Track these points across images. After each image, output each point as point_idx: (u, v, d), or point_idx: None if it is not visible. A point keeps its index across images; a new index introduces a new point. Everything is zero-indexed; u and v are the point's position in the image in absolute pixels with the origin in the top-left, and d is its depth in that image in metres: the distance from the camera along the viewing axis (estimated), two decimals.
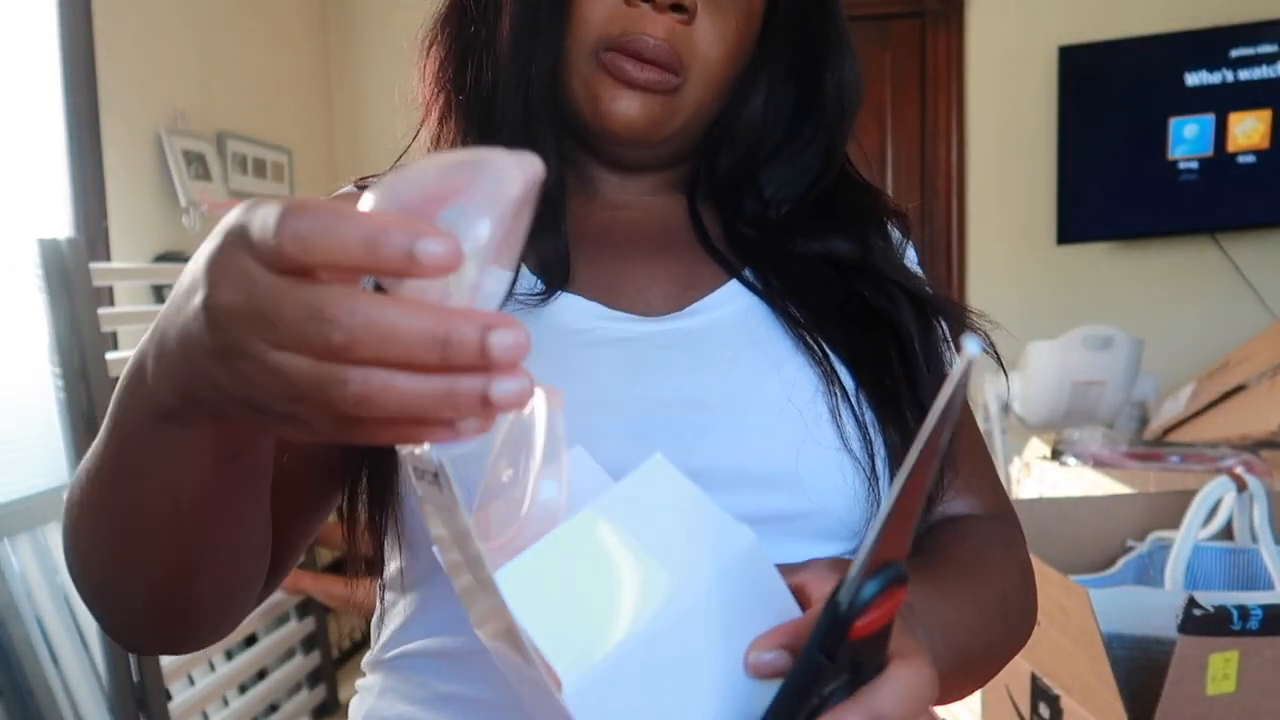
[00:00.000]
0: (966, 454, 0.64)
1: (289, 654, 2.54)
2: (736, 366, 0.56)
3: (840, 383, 0.57)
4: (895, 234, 0.68)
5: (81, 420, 1.82)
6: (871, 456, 0.55)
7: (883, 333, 0.59)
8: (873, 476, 0.55)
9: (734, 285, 0.62)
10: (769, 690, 0.35)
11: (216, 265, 0.31)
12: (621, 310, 0.59)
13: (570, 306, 0.58)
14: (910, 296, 0.61)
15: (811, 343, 0.58)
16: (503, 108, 0.60)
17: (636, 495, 0.37)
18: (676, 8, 0.57)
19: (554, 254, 0.59)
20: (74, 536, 0.48)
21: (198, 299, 0.32)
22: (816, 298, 0.60)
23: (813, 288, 0.60)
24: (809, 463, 0.54)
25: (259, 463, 0.43)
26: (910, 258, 0.69)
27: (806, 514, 0.54)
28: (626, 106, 0.57)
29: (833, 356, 0.58)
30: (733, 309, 0.60)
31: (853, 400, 0.56)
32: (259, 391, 0.31)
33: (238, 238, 0.31)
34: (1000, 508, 0.66)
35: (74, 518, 0.47)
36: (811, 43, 0.63)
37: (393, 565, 0.58)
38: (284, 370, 0.29)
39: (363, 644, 3.08)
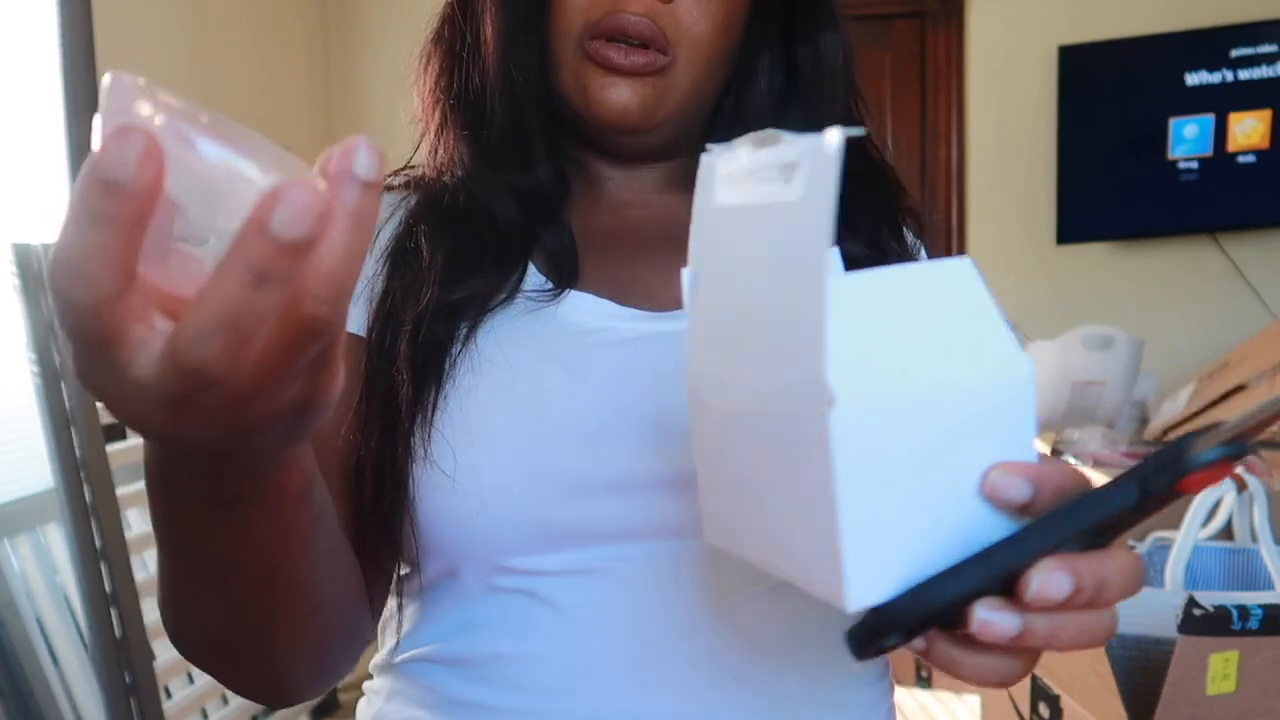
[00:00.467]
0: None
1: None
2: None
3: None
4: (909, 235, 0.67)
5: (61, 422, 1.83)
6: None
7: None
8: None
9: None
10: (986, 516, 0.33)
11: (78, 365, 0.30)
12: (632, 308, 0.58)
13: (581, 304, 0.57)
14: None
15: None
16: (491, 110, 0.59)
17: (949, 271, 0.34)
18: None
19: (561, 251, 0.59)
20: (183, 639, 0.47)
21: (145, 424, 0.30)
22: None
23: None
24: None
25: (294, 490, 0.39)
26: (922, 259, 0.69)
27: None
28: (617, 94, 0.57)
29: None
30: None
31: None
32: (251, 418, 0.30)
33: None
34: None
35: (175, 624, 0.47)
36: (798, 14, 0.62)
37: (403, 569, 0.58)
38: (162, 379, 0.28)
39: None
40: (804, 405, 0.31)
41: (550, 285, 0.57)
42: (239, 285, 0.26)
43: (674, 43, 0.57)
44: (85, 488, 1.87)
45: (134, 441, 2.14)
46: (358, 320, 0.56)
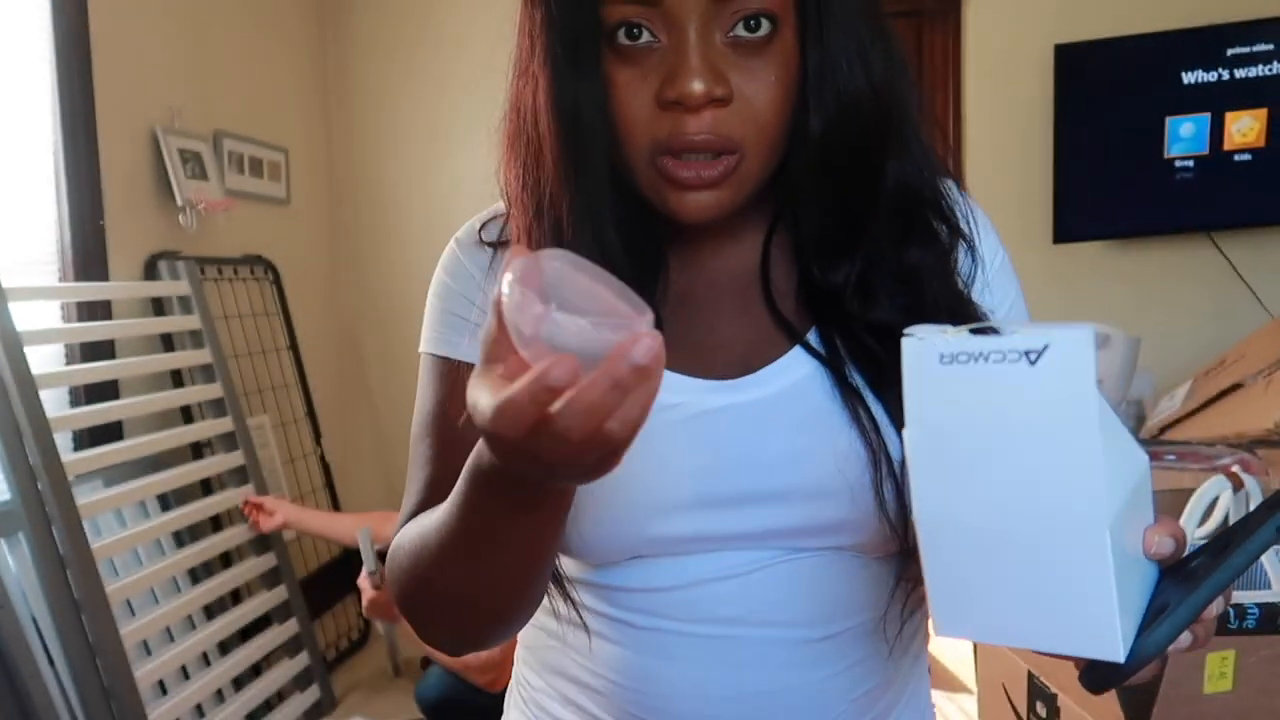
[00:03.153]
0: None
1: (277, 657, 2.54)
2: (794, 444, 0.62)
3: (888, 455, 0.61)
4: (966, 262, 0.67)
5: (11, 430, 1.82)
6: (905, 520, 0.61)
7: None
8: (903, 530, 0.61)
9: (796, 353, 0.64)
10: (1138, 564, 0.46)
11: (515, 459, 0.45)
12: (685, 374, 0.63)
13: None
14: None
15: (864, 416, 0.61)
16: (570, 233, 0.61)
17: (1107, 408, 0.44)
18: (712, 100, 0.56)
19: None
20: (419, 609, 0.62)
21: (539, 475, 0.46)
22: (876, 359, 0.62)
23: (876, 353, 0.62)
24: (853, 520, 0.62)
25: (562, 508, 0.53)
26: (994, 278, 0.69)
27: (848, 543, 0.64)
28: (694, 202, 0.59)
29: (885, 427, 0.61)
30: (793, 378, 0.63)
31: (897, 470, 0.61)
32: (568, 471, 0.44)
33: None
34: None
35: (418, 596, 0.61)
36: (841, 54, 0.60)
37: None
38: (581, 459, 0.43)
39: (356, 647, 3.08)
40: (1080, 523, 0.42)
41: None
42: (600, 390, 0.39)
43: (740, 140, 0.58)
44: (43, 497, 1.85)
45: (99, 450, 2.13)
46: (475, 349, 0.62)
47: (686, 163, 0.58)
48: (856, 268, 0.62)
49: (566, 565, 0.68)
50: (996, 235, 0.71)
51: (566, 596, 0.68)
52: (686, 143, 0.57)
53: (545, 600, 0.68)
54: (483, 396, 0.43)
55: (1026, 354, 0.41)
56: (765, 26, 0.57)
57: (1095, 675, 0.46)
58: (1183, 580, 0.46)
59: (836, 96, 0.59)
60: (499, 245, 0.68)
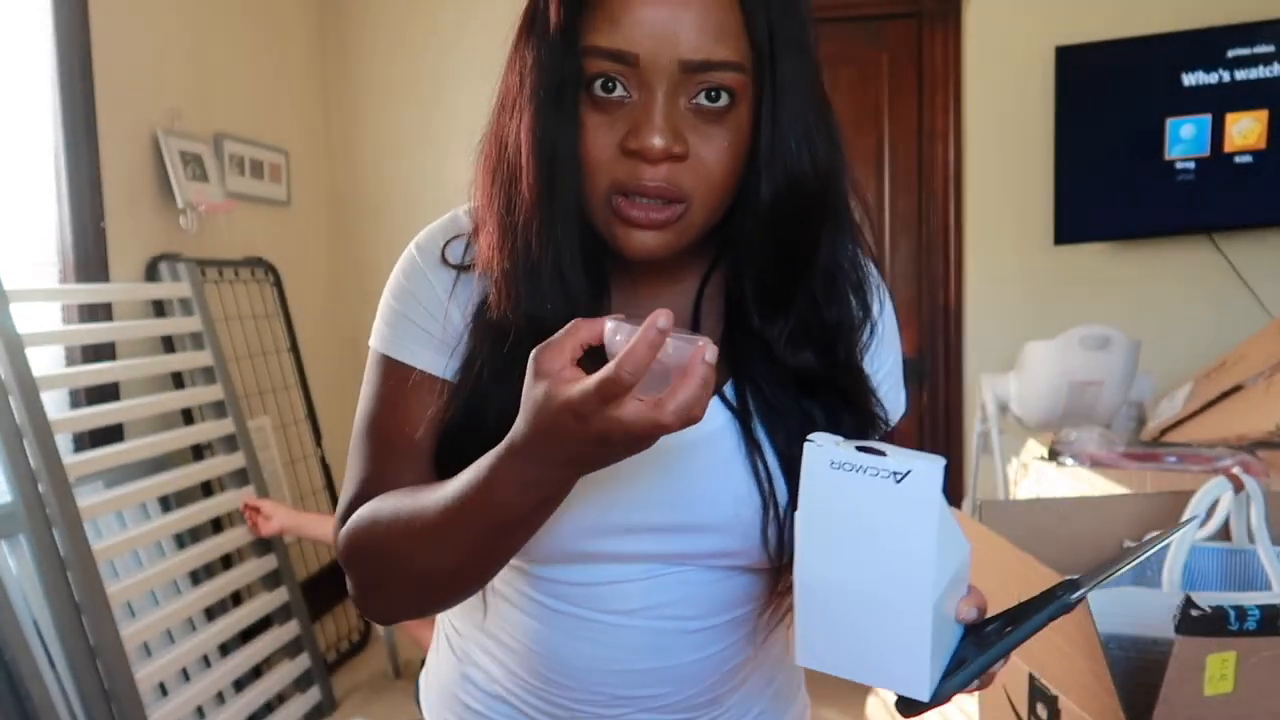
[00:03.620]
0: None
1: (278, 659, 2.54)
2: (706, 487, 0.73)
3: (776, 501, 0.73)
4: (866, 333, 0.77)
5: (12, 432, 1.82)
6: (781, 549, 0.73)
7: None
8: (778, 556, 0.74)
9: (713, 404, 0.73)
10: (950, 626, 0.61)
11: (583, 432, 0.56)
12: None
13: None
14: (857, 418, 0.75)
15: (761, 466, 0.73)
16: (538, 252, 0.68)
17: (945, 506, 0.58)
18: (669, 156, 0.64)
19: None
20: (372, 572, 0.72)
21: (596, 446, 0.57)
22: (779, 416, 0.74)
23: (778, 405, 0.74)
24: (741, 549, 0.74)
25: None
26: (882, 348, 0.80)
27: (732, 564, 0.77)
28: (641, 241, 0.67)
29: (776, 477, 0.73)
30: (709, 427, 0.72)
31: (781, 514, 0.73)
32: (621, 452, 0.58)
33: (575, 414, 0.55)
34: None
35: (380, 566, 0.70)
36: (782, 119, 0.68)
37: None
38: (641, 439, 0.56)
39: (357, 649, 3.08)
40: (911, 609, 0.57)
41: None
42: (693, 384, 0.54)
43: (690, 192, 0.66)
44: (44, 499, 1.85)
45: (100, 451, 2.14)
46: (433, 361, 0.74)
47: (637, 204, 0.65)
48: (790, 322, 0.72)
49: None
50: (893, 309, 0.82)
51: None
52: (641, 188, 0.65)
53: None
54: (593, 383, 0.54)
55: (894, 474, 0.55)
56: (724, 99, 0.65)
57: (905, 706, 0.61)
58: (979, 640, 0.61)
59: (785, 172, 0.67)
60: (462, 269, 0.75)
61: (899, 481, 0.55)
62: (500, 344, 0.70)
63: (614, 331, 0.56)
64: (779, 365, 0.73)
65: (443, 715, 0.88)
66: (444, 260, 0.75)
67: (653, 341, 0.53)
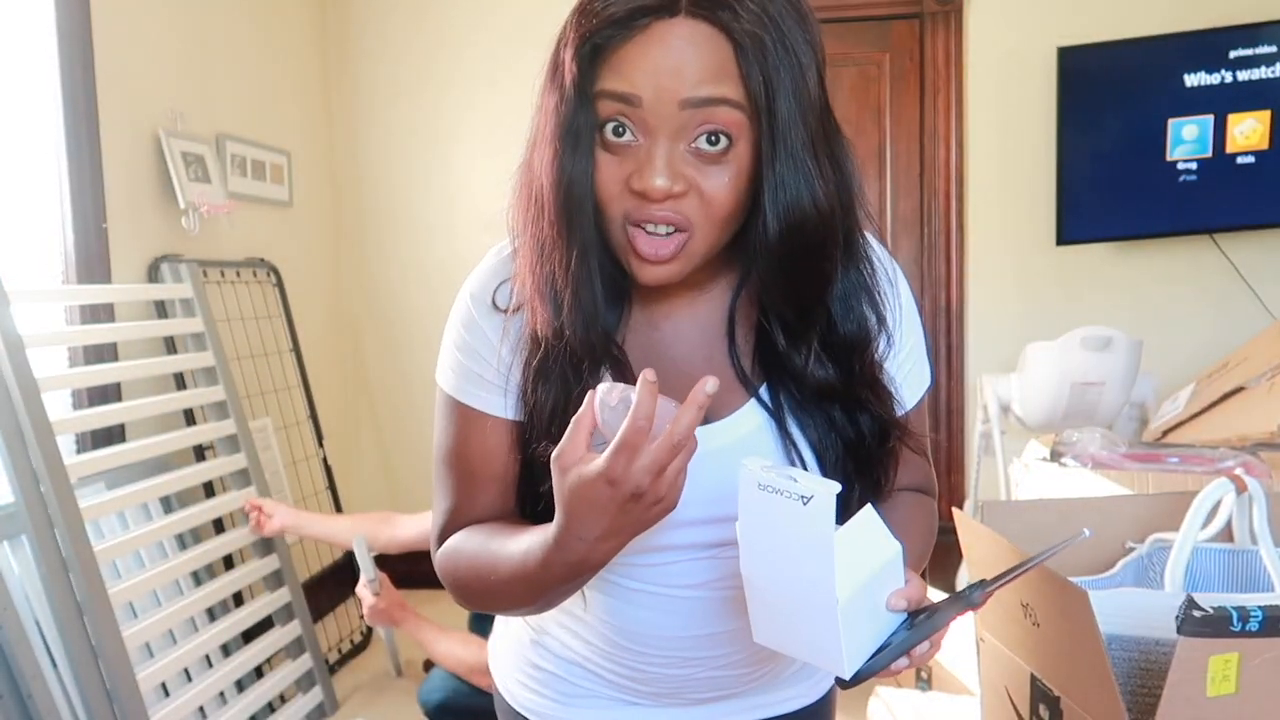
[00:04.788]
0: (917, 449, 0.89)
1: (279, 659, 2.54)
2: None
3: None
4: (883, 341, 0.84)
5: (14, 432, 1.83)
6: None
7: (849, 444, 0.82)
8: None
9: (751, 405, 0.81)
10: (882, 615, 0.71)
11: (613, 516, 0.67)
12: None
13: None
14: (873, 418, 0.82)
15: (798, 460, 0.81)
16: (561, 278, 0.76)
17: (864, 518, 0.71)
18: (670, 195, 0.71)
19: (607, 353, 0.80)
20: (462, 596, 0.84)
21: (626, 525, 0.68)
22: (809, 415, 0.81)
23: (807, 406, 0.81)
24: None
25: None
26: (905, 307, 0.87)
27: None
28: (651, 274, 0.75)
29: (812, 468, 0.81)
30: (750, 426, 0.81)
31: None
32: (654, 506, 0.67)
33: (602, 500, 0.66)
34: (929, 480, 0.98)
35: (461, 589, 0.83)
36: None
37: None
38: (669, 477, 0.66)
39: (358, 649, 3.08)
40: (823, 605, 0.67)
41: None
42: (667, 441, 0.64)
43: (692, 222, 0.73)
44: (46, 499, 1.85)
45: (102, 452, 2.14)
46: (496, 404, 0.83)
47: (648, 237, 0.73)
48: (811, 346, 0.79)
49: None
50: (910, 294, 0.88)
51: None
52: (649, 217, 0.72)
53: None
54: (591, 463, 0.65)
55: (802, 497, 0.66)
56: (723, 142, 0.71)
57: (844, 682, 0.71)
58: (912, 627, 0.71)
59: (787, 210, 0.72)
60: (511, 312, 0.82)
61: (805, 504, 0.65)
62: (545, 370, 0.79)
63: (606, 392, 0.66)
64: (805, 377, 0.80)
65: (514, 676, 0.97)
66: (495, 306, 0.83)
67: (651, 389, 0.62)
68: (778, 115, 0.70)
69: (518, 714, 0.96)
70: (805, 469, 0.81)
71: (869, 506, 0.71)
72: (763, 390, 0.82)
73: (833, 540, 0.65)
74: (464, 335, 0.84)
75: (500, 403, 0.83)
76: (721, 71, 0.69)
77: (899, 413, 0.84)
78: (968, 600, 0.71)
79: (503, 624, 1.01)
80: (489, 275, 0.84)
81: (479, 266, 0.85)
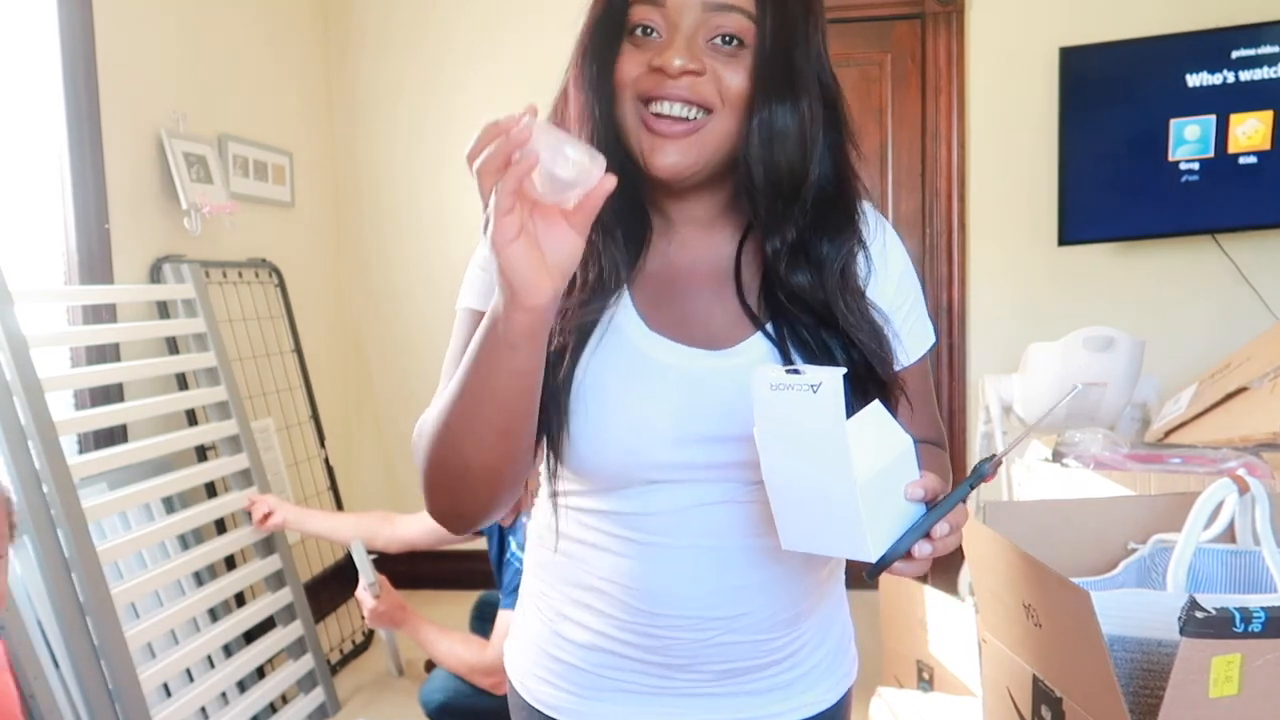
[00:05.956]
0: (923, 404, 0.96)
1: (281, 659, 2.54)
2: (742, 402, 0.80)
3: None
4: (865, 267, 0.89)
5: (15, 432, 1.83)
6: None
7: (853, 382, 0.84)
8: None
9: (757, 337, 0.85)
10: (901, 505, 0.75)
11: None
12: (675, 341, 0.85)
13: (660, 345, 0.85)
14: (870, 358, 0.86)
15: None
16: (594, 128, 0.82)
17: (873, 410, 0.75)
18: (688, 72, 0.78)
19: (617, 267, 0.85)
20: (432, 453, 0.79)
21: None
22: (810, 350, 0.85)
23: (810, 342, 0.86)
24: None
25: (539, 353, 0.74)
26: (899, 283, 0.92)
27: None
28: (664, 156, 0.80)
29: None
30: (751, 358, 0.84)
31: None
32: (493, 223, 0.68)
33: None
34: (940, 435, 1.03)
35: (434, 445, 0.78)
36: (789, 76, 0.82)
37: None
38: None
39: (360, 650, 3.08)
40: (843, 489, 0.71)
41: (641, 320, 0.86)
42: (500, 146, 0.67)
43: (711, 102, 0.79)
44: (48, 500, 1.85)
45: (104, 452, 2.14)
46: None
47: (662, 118, 0.79)
48: (788, 239, 0.84)
49: (583, 500, 0.88)
50: (903, 248, 0.93)
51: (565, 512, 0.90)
52: (665, 93, 0.78)
53: (553, 523, 0.91)
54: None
55: (811, 386, 0.70)
56: (735, 43, 0.80)
57: (870, 571, 0.74)
58: (928, 515, 0.75)
59: (779, 101, 0.80)
60: None
61: (815, 392, 0.70)
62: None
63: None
64: (796, 301, 0.84)
65: (533, 673, 0.96)
66: None
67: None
68: (773, 27, 0.80)
69: (536, 711, 0.95)
70: None
71: (876, 402, 0.75)
72: (769, 326, 0.86)
73: (844, 421, 0.69)
74: (484, 250, 0.87)
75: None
76: None
77: (900, 366, 0.89)
78: (978, 475, 0.76)
79: (520, 622, 1.00)
80: None
81: None
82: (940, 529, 0.73)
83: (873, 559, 0.72)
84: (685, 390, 0.83)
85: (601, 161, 0.67)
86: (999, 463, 0.77)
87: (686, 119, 0.79)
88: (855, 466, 0.69)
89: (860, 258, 0.87)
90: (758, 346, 0.85)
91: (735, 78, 0.79)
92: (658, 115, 0.79)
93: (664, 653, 0.88)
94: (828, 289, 0.84)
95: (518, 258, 0.68)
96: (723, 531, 0.85)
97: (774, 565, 0.86)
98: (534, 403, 0.76)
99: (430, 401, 0.83)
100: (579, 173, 0.66)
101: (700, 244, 0.88)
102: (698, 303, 0.87)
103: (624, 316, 0.85)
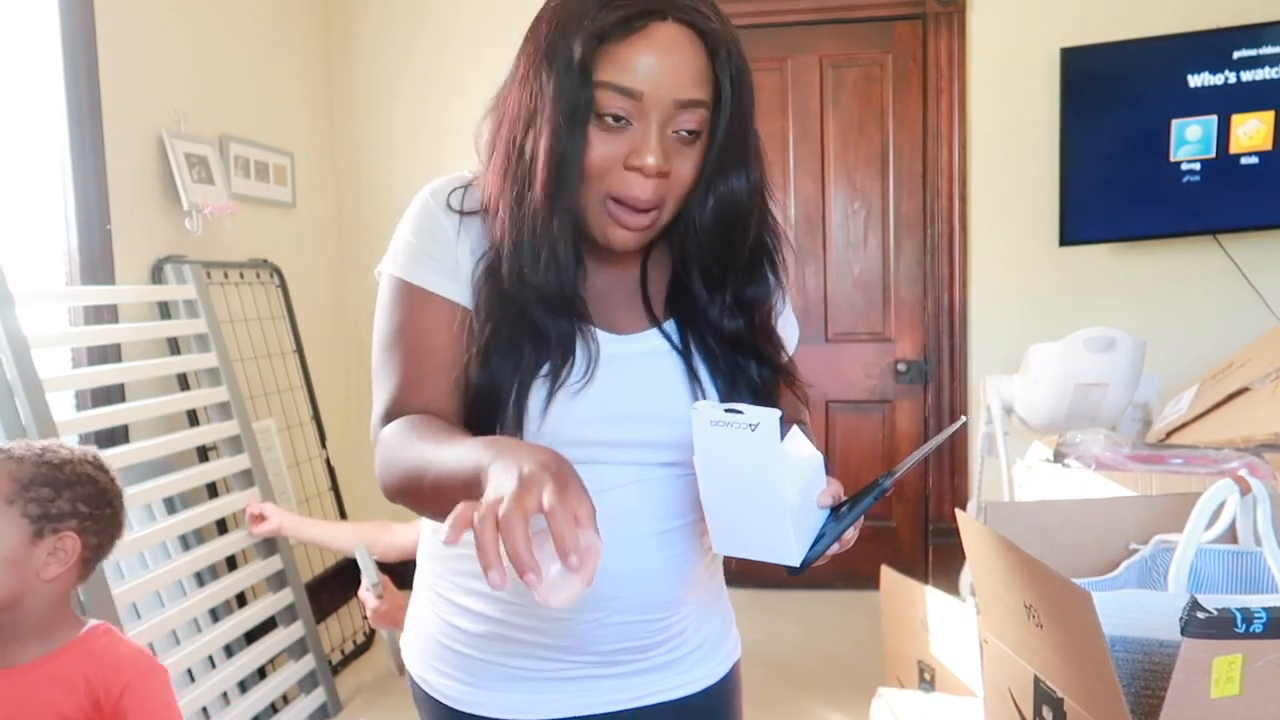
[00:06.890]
0: (795, 396, 1.03)
1: (283, 660, 2.54)
2: (659, 388, 0.93)
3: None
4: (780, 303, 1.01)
5: (14, 430, 1.83)
6: None
7: (753, 388, 0.97)
8: None
9: (653, 332, 0.95)
10: (814, 512, 0.84)
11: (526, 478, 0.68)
12: (602, 329, 0.92)
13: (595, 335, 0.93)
14: (771, 368, 0.98)
15: (699, 394, 0.94)
16: (541, 240, 0.87)
17: (794, 435, 0.85)
18: (660, 173, 0.85)
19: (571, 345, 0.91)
20: (386, 478, 0.85)
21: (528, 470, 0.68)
22: (716, 361, 0.94)
23: (716, 352, 0.94)
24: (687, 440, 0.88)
25: None
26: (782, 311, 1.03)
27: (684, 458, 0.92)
28: (624, 239, 0.89)
29: (713, 397, 0.94)
30: (644, 350, 0.94)
31: None
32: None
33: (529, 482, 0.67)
34: (802, 414, 1.08)
35: (388, 478, 0.84)
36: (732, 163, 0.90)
37: None
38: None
39: (361, 650, 3.08)
40: (774, 510, 0.81)
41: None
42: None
43: (664, 201, 0.88)
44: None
45: (105, 453, 2.14)
46: (450, 289, 0.90)
47: (630, 213, 0.86)
48: (727, 299, 0.94)
49: None
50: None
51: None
52: (635, 200, 0.86)
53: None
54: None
55: (750, 425, 0.77)
56: (693, 135, 0.86)
57: (790, 571, 0.85)
58: (837, 519, 0.85)
59: (727, 186, 0.89)
60: (464, 214, 0.93)
61: (754, 430, 0.77)
62: (508, 308, 0.88)
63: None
64: (721, 338, 0.94)
65: (428, 664, 1.00)
66: (449, 206, 0.93)
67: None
68: (740, 106, 0.86)
69: (436, 702, 0.99)
70: (699, 384, 0.97)
71: (795, 426, 0.86)
72: (670, 326, 0.95)
73: (780, 456, 0.78)
74: (421, 221, 0.93)
75: (452, 287, 0.90)
76: (701, 76, 0.85)
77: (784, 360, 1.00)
78: (880, 489, 0.86)
79: (413, 615, 1.05)
80: (444, 182, 0.95)
81: (439, 178, 0.96)
82: (848, 534, 0.84)
83: (797, 564, 0.84)
84: (609, 372, 0.90)
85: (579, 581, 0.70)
86: (896, 480, 0.86)
87: (646, 211, 0.86)
88: (786, 493, 0.79)
89: (779, 293, 0.98)
90: (651, 342, 0.94)
91: (686, 166, 0.86)
92: (619, 202, 0.86)
93: (555, 634, 0.92)
94: (754, 329, 0.95)
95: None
96: (630, 515, 0.91)
97: (666, 550, 0.93)
98: None
99: (422, 397, 0.88)
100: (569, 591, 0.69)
101: (621, 263, 0.96)
102: (615, 302, 0.95)
103: None
